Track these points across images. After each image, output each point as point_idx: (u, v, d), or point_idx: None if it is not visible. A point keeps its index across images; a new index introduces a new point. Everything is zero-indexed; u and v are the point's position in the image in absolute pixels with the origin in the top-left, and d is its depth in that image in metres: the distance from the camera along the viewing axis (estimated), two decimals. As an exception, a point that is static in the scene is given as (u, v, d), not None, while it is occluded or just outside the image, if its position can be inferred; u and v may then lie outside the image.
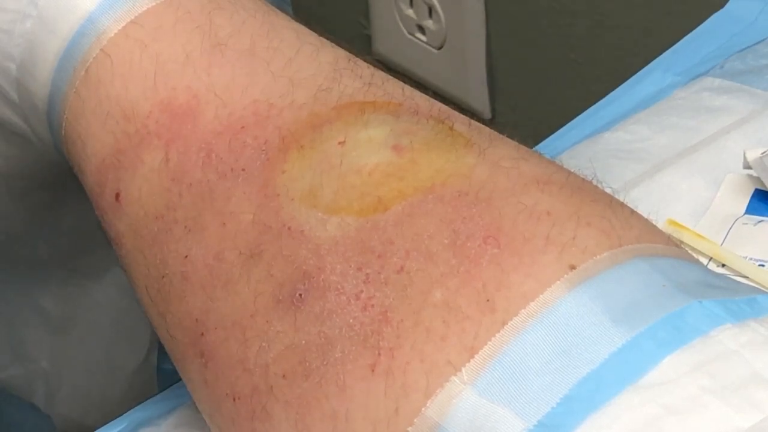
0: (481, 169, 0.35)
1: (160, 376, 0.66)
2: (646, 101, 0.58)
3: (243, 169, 0.37)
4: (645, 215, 0.37)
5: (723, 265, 0.46)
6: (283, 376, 0.34)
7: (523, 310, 0.31)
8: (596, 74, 0.87)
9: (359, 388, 0.32)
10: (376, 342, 0.33)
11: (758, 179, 0.49)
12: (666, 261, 0.34)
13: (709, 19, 0.61)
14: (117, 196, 0.41)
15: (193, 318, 0.37)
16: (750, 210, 0.49)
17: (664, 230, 0.47)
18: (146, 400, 0.47)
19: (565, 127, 0.59)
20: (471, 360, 0.31)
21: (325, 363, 0.33)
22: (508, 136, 0.39)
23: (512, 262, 0.32)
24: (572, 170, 0.37)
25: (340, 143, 0.37)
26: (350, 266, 0.34)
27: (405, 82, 0.41)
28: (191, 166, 0.39)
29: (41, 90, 0.43)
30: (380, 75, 0.40)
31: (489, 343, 0.31)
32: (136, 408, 0.47)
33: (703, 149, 0.53)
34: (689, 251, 0.42)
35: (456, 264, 0.33)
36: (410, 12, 0.99)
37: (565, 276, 0.32)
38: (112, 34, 0.41)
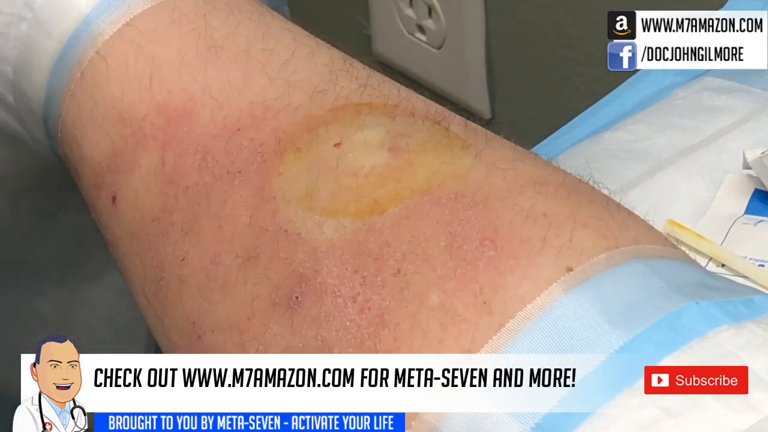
0: (478, 170, 0.35)
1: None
2: (646, 101, 0.58)
3: (239, 172, 0.37)
4: (644, 215, 0.37)
5: (723, 265, 0.46)
6: (281, 379, 0.34)
7: (520, 313, 0.31)
8: (596, 74, 0.86)
9: (356, 390, 0.32)
10: (373, 345, 0.32)
11: (758, 179, 0.49)
12: (663, 262, 0.34)
13: (709, 19, 0.60)
14: (113, 199, 0.40)
15: (190, 321, 0.37)
16: (750, 210, 0.49)
17: (663, 230, 0.47)
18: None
19: (564, 127, 0.59)
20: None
21: (322, 366, 0.33)
22: (507, 137, 0.38)
23: (509, 265, 0.32)
24: (569, 171, 0.37)
25: (336, 145, 0.37)
26: (347, 269, 0.34)
27: (405, 82, 0.41)
28: (187, 168, 0.38)
29: (37, 93, 0.43)
30: (376, 76, 0.40)
31: (486, 345, 0.31)
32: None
33: (703, 149, 0.52)
34: (689, 251, 0.42)
35: (453, 266, 0.33)
36: (410, 12, 0.99)
37: (562, 278, 0.32)
38: (108, 37, 0.41)
